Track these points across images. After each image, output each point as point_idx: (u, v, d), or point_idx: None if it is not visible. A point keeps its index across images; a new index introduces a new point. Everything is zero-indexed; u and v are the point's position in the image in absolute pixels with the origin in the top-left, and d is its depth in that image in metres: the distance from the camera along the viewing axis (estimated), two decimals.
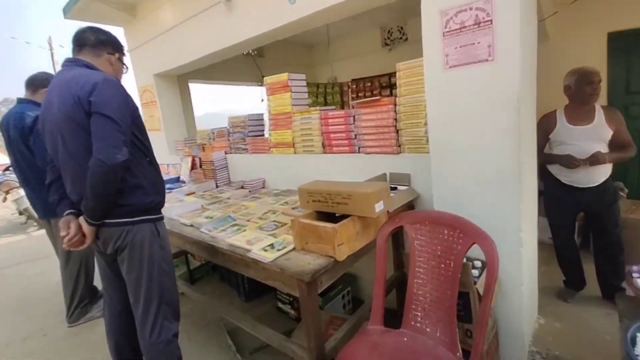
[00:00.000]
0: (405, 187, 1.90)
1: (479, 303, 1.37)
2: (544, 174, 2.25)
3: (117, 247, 1.42)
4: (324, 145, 2.35)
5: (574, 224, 2.29)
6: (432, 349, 1.21)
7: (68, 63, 1.45)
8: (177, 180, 3.23)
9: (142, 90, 3.97)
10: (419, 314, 1.28)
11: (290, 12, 2.27)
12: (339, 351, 1.32)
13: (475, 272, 1.46)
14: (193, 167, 3.31)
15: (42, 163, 2.21)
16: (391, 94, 4.32)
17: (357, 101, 2.10)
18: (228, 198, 2.48)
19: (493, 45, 1.40)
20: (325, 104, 5.21)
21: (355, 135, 2.15)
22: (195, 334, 2.23)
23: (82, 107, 1.28)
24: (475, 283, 1.37)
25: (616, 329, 1.14)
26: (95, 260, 2.51)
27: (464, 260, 1.26)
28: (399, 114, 1.92)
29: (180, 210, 2.18)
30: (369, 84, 4.56)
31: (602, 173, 2.05)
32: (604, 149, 2.01)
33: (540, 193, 2.11)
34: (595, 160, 1.97)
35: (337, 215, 1.50)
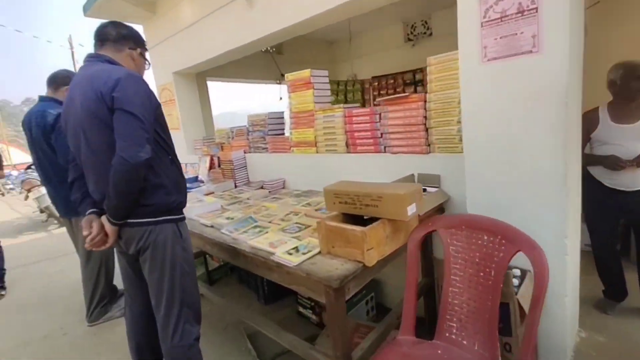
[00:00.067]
0: (435, 189, 1.83)
1: (520, 315, 1.30)
2: (585, 176, 2.14)
3: (139, 248, 1.42)
4: (347, 145, 2.30)
5: (616, 229, 2.17)
6: None
7: (90, 59, 1.45)
8: (195, 179, 3.25)
9: (161, 89, 4.02)
10: (455, 324, 1.22)
11: (312, 6, 2.24)
12: None
13: (514, 282, 1.38)
14: (211, 166, 3.32)
15: (64, 161, 2.21)
16: (415, 91, 4.24)
17: (384, 98, 2.05)
18: (248, 198, 2.46)
19: (538, 36, 1.32)
20: (346, 102, 5.16)
21: (381, 134, 2.09)
22: (214, 337, 2.22)
23: (105, 103, 1.28)
24: (515, 293, 1.29)
25: None
26: (115, 260, 2.55)
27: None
28: (429, 112, 1.86)
29: (200, 210, 2.18)
30: (391, 81, 4.48)
31: None
32: None
33: None
34: None
35: (365, 218, 1.46)
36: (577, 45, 1.47)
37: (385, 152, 2.10)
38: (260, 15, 2.66)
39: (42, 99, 2.42)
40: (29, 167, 6.85)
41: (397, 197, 1.26)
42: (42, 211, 6.10)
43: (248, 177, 3.08)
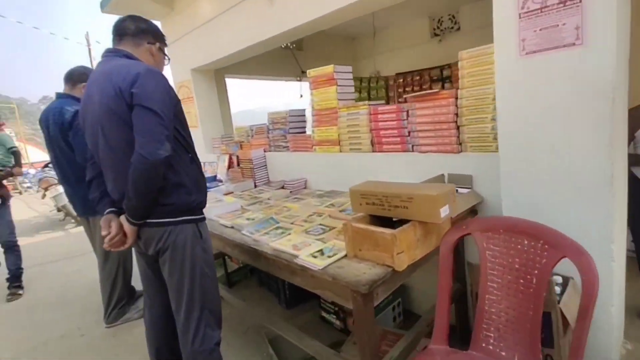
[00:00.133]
0: (467, 190, 1.81)
1: (562, 325, 1.26)
2: (628, 178, 2.07)
3: (158, 249, 1.44)
4: (372, 143, 2.29)
5: None
6: None
7: (108, 54, 1.47)
8: (214, 179, 3.30)
9: (179, 86, 4.11)
10: (492, 334, 1.20)
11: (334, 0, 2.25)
12: None
13: (556, 290, 1.35)
14: (230, 165, 3.37)
15: (81, 159, 2.27)
16: (443, 88, 4.18)
17: (412, 95, 2.03)
18: (268, 199, 2.49)
19: (582, 27, 1.28)
20: (369, 99, 5.15)
21: (409, 132, 2.08)
22: (234, 341, 2.25)
23: (124, 99, 1.29)
24: (558, 302, 1.26)
25: None
26: (134, 260, 2.61)
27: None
28: (461, 108, 1.83)
29: (219, 210, 2.22)
30: (417, 77, 4.44)
31: None
32: None
33: None
34: None
35: (394, 220, 1.45)
36: (624, 37, 1.42)
37: (412, 151, 2.08)
38: (280, 9, 2.69)
39: (59, 96, 2.46)
40: (46, 166, 7.11)
41: (429, 198, 1.25)
42: (59, 210, 6.32)
43: (268, 177, 3.12)
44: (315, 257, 1.44)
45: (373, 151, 2.30)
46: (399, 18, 5.00)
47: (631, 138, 1.99)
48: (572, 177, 1.40)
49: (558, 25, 1.34)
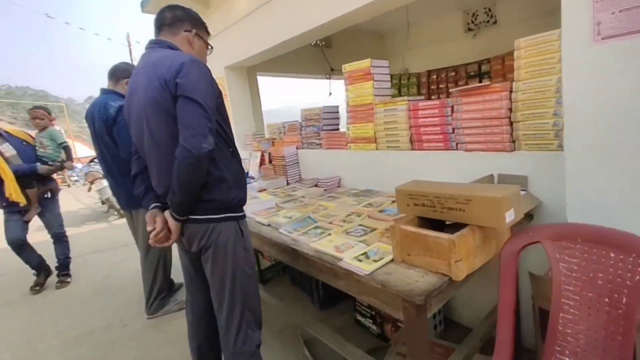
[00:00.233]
0: (522, 193, 1.60)
1: None
2: None
3: (201, 246, 1.37)
4: (412, 141, 2.11)
5: None
6: None
7: (152, 45, 1.39)
8: (246, 175, 3.22)
9: None
10: (567, 358, 1.01)
11: None
12: None
13: None
14: (262, 162, 3.28)
15: (125, 154, 2.23)
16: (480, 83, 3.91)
17: (458, 89, 1.84)
18: (303, 197, 2.36)
19: None
20: (399, 96, 4.93)
21: (453, 129, 1.89)
22: (270, 340, 2.14)
23: (169, 90, 1.21)
24: None
25: None
26: (174, 253, 2.57)
27: None
28: (516, 103, 1.63)
29: (255, 207, 2.12)
30: (452, 73, 4.16)
31: None
32: None
33: None
34: None
35: (447, 223, 1.29)
36: None
37: (456, 149, 1.89)
38: (312, 5, 2.56)
39: (103, 91, 2.44)
40: (91, 161, 7.33)
41: (492, 200, 1.08)
42: (103, 202, 6.49)
43: (300, 174, 2.99)
44: (360, 260, 1.30)
45: (412, 149, 2.12)
46: (430, 13, 4.74)
47: None
48: None
49: None
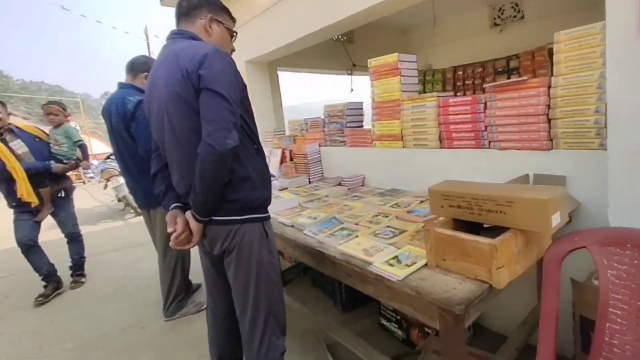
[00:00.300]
0: None
1: None
2: None
3: (224, 249, 1.35)
4: (441, 139, 2.08)
5: None
6: None
7: (173, 36, 1.36)
8: None
9: None
10: None
11: None
12: None
13: None
14: (283, 160, 3.28)
15: (143, 151, 2.24)
16: (508, 79, 3.82)
17: (492, 84, 1.80)
18: (326, 196, 2.36)
19: None
20: (424, 93, 4.88)
21: (486, 126, 1.85)
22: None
23: (191, 83, 1.18)
24: None
25: None
26: (191, 254, 2.58)
27: None
28: (555, 99, 1.58)
29: (277, 207, 2.12)
30: (479, 69, 4.08)
31: None
32: None
33: None
34: None
35: (485, 226, 1.26)
36: None
37: (489, 147, 1.85)
38: None
39: (121, 86, 2.41)
40: (108, 157, 7.49)
41: (537, 203, 1.05)
42: (119, 200, 6.62)
43: (322, 173, 2.99)
44: (391, 265, 1.28)
45: (441, 147, 2.09)
46: (455, 8, 4.68)
47: None
48: None
49: None
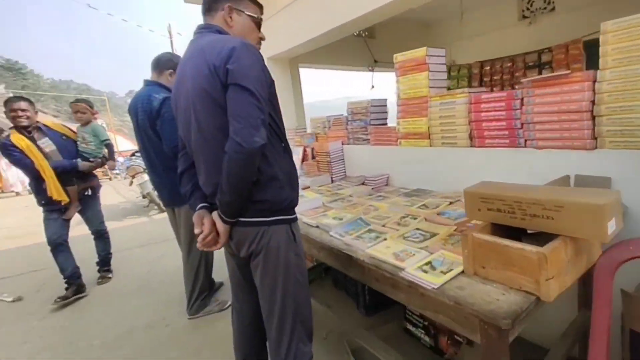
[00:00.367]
0: None
1: None
2: None
3: (251, 251, 1.30)
4: (471, 137, 1.97)
5: None
6: None
7: (200, 30, 1.31)
8: None
9: None
10: None
11: None
12: None
13: None
14: (304, 158, 3.22)
15: (168, 148, 2.22)
16: (540, 75, 3.63)
17: (529, 79, 1.67)
18: (350, 196, 2.28)
19: None
20: (448, 89, 4.71)
21: (522, 123, 1.72)
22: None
23: (219, 78, 1.13)
24: None
25: None
26: (216, 253, 2.54)
27: None
28: (600, 94, 1.45)
29: (301, 206, 2.02)
30: (508, 64, 3.88)
31: None
32: None
33: None
34: None
35: (529, 232, 1.16)
36: None
37: (525, 146, 1.73)
38: None
39: (147, 83, 2.39)
40: (133, 154, 7.60)
41: (592, 208, 0.94)
42: (144, 197, 6.71)
43: (345, 171, 2.91)
44: (425, 271, 1.20)
45: (471, 146, 1.98)
46: (481, 1, 4.48)
47: None
48: None
49: None
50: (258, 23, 1.40)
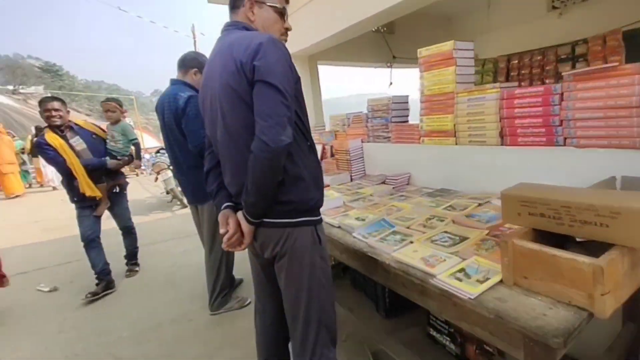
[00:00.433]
0: None
1: None
2: None
3: (275, 253, 1.23)
4: (502, 135, 1.82)
5: None
6: None
7: (227, 28, 1.25)
8: None
9: None
10: None
11: None
12: None
13: None
14: (323, 156, 3.12)
15: (192, 146, 2.21)
16: (574, 68, 3.39)
17: (571, 72, 1.51)
18: (371, 195, 2.17)
19: None
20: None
21: (561, 120, 1.57)
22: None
23: (245, 75, 1.07)
24: None
25: None
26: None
27: None
28: None
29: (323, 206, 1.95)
30: (538, 57, 3.63)
31: None
32: None
33: None
34: None
35: (577, 240, 1.02)
36: None
37: (564, 145, 1.57)
38: None
39: (173, 82, 2.37)
40: (158, 151, 7.68)
41: None
42: (167, 192, 6.76)
43: (364, 170, 2.80)
44: (459, 279, 1.08)
45: (502, 144, 1.83)
46: None
47: None
48: None
49: None
50: (282, 13, 1.32)
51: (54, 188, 9.93)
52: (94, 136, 3.16)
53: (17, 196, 9.17)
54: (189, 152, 2.26)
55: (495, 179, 1.85)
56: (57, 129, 2.89)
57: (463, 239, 1.37)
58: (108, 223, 3.57)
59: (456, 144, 2.05)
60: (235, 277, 2.85)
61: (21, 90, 38.58)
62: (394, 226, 1.59)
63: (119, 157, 3.21)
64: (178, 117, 2.23)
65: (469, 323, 1.04)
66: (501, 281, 1.05)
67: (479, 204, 1.73)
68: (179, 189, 5.91)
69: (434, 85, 2.14)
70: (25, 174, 10.86)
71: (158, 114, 2.40)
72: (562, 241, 1.04)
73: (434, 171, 2.23)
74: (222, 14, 1.34)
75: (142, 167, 14.11)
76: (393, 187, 2.32)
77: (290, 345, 1.42)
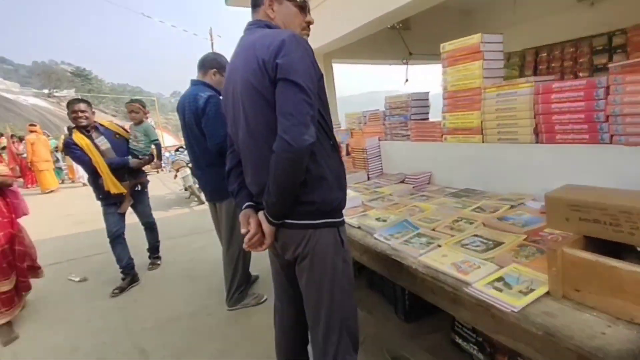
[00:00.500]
0: None
1: None
2: None
3: (297, 255, 1.15)
4: (537, 132, 1.65)
5: None
6: None
7: (249, 26, 1.19)
8: None
9: None
10: None
11: None
12: None
13: None
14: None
15: (212, 145, 2.20)
16: (611, 60, 3.14)
17: (618, 63, 1.35)
18: (390, 194, 2.05)
19: None
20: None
21: (607, 116, 1.40)
22: None
23: (267, 74, 1.01)
24: None
25: None
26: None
27: None
28: None
29: None
30: (571, 49, 3.35)
31: None
32: None
33: None
34: None
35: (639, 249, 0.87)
36: None
37: (611, 142, 1.40)
38: None
39: (193, 82, 2.37)
40: (177, 150, 7.72)
41: None
42: (186, 189, 6.80)
43: (381, 168, 2.66)
44: (498, 289, 0.95)
45: (536, 142, 1.66)
46: None
47: None
48: None
49: None
50: (302, 6, 1.23)
51: (84, 184, 10.23)
52: (116, 136, 3.20)
53: (51, 191, 9.60)
54: (208, 151, 2.25)
55: (527, 179, 1.70)
56: (84, 129, 2.94)
57: (497, 243, 1.24)
58: (130, 218, 3.64)
59: (483, 141, 1.90)
60: (251, 274, 2.79)
61: (55, 94, 40.08)
62: (418, 228, 1.47)
63: (140, 157, 3.24)
64: (198, 117, 2.22)
65: (511, 338, 0.91)
66: (547, 293, 0.91)
67: (512, 206, 1.58)
68: (197, 186, 5.92)
69: (458, 80, 1.99)
70: (58, 170, 11.33)
71: (179, 114, 2.40)
72: (613, 249, 0.90)
73: (457, 170, 2.09)
74: (239, 17, 1.29)
75: (162, 165, 14.33)
76: (413, 187, 2.19)
77: (309, 347, 1.34)
